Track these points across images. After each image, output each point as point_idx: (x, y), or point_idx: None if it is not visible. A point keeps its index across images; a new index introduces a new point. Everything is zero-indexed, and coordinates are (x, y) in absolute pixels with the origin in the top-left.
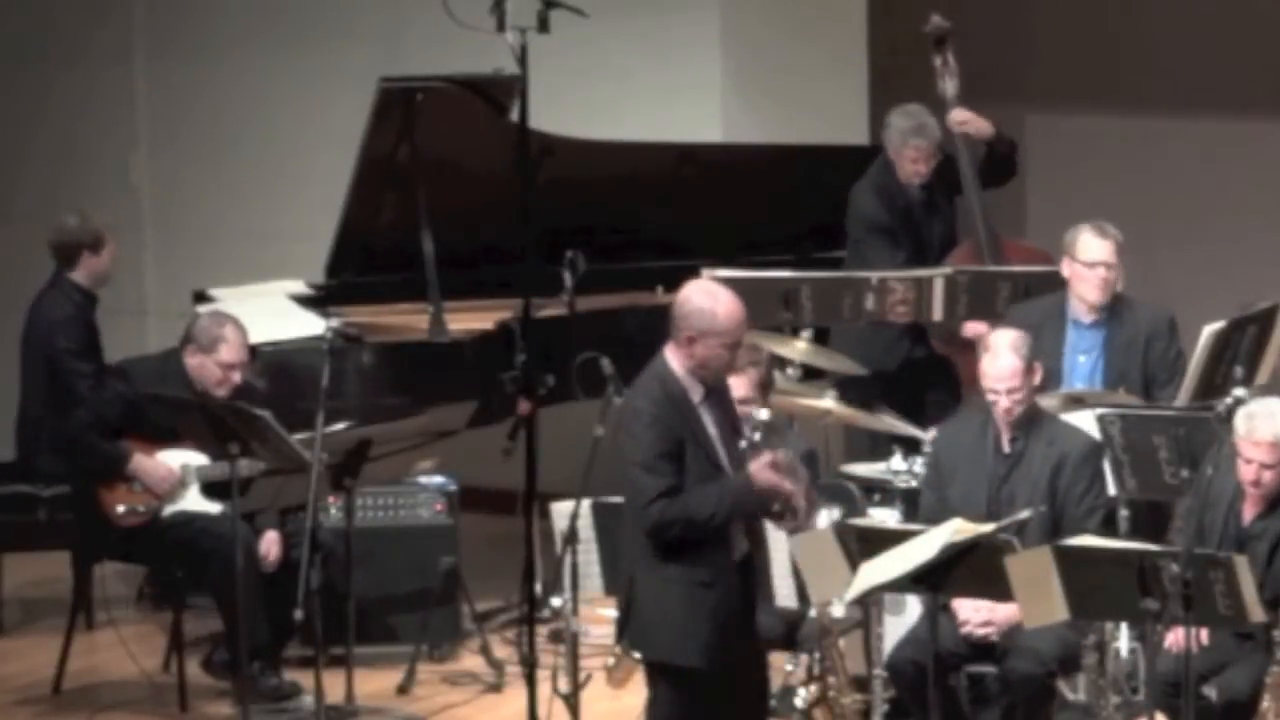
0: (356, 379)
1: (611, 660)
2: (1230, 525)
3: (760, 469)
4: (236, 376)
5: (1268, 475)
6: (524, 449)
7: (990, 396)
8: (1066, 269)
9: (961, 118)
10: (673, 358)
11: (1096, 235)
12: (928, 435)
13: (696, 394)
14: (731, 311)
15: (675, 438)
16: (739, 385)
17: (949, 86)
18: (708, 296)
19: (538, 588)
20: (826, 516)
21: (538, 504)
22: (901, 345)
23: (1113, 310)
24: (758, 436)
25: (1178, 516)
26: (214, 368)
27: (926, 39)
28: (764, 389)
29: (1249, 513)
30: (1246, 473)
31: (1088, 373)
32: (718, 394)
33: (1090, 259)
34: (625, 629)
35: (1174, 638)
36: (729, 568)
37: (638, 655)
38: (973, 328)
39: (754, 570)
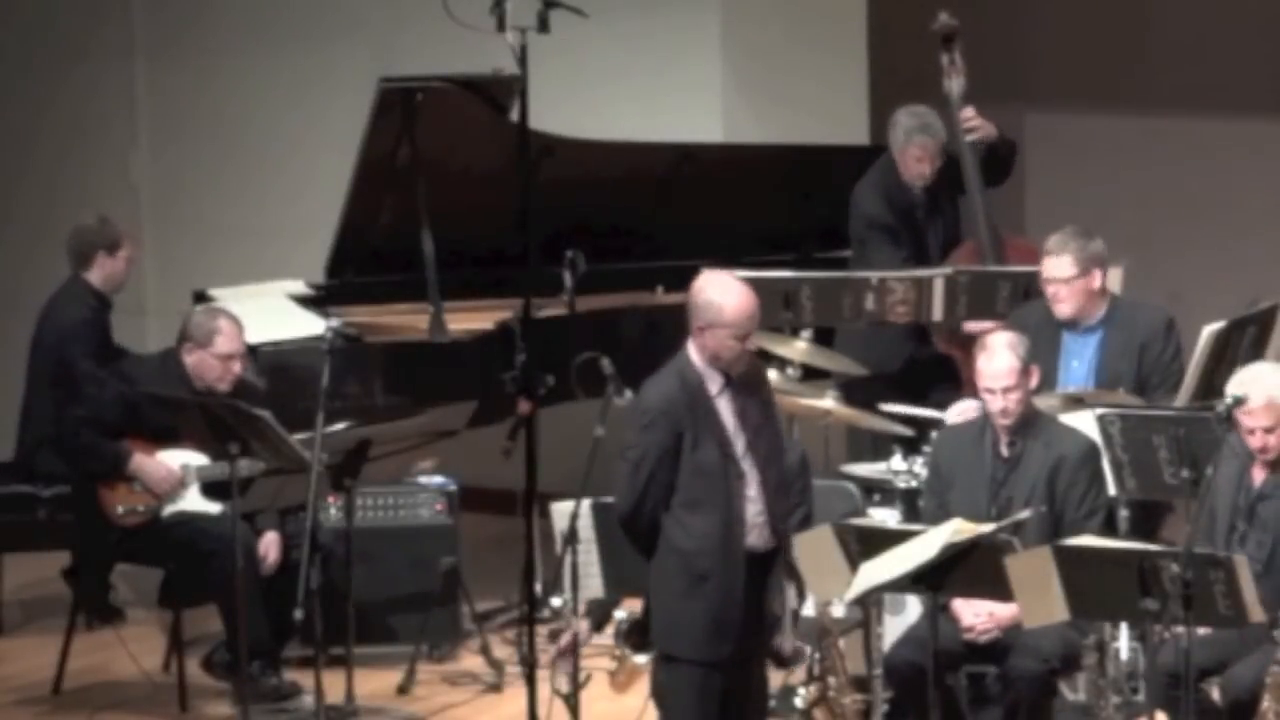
0: (356, 379)
1: (614, 664)
2: (1242, 496)
3: None
4: (237, 367)
5: (1272, 439)
6: (524, 449)
7: (986, 396)
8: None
9: (970, 120)
10: (692, 348)
11: (1047, 254)
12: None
13: (715, 384)
14: (740, 304)
15: (675, 432)
16: None
17: (955, 85)
18: (719, 289)
19: (538, 588)
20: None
21: (538, 504)
22: (905, 345)
23: (1108, 315)
24: None
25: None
26: (213, 361)
27: (928, 39)
28: None
29: (1258, 476)
30: (1253, 442)
31: (1082, 378)
32: (741, 384)
33: (1044, 278)
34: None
35: None
36: (733, 562)
37: (638, 659)
38: (975, 323)
39: (772, 567)
